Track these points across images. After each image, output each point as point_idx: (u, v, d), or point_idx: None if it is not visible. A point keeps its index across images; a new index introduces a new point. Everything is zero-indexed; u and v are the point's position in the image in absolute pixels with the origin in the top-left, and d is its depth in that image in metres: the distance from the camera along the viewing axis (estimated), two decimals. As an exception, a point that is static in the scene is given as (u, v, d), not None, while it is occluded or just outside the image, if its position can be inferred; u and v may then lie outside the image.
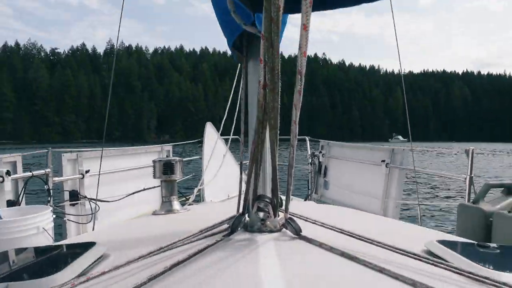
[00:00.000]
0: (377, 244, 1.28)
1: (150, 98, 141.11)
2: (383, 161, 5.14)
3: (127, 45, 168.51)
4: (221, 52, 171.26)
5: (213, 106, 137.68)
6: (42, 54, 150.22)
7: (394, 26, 2.47)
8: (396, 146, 5.63)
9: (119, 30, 2.25)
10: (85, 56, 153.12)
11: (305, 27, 1.13)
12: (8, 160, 4.12)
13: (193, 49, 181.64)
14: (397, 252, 1.21)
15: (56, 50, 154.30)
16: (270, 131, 1.28)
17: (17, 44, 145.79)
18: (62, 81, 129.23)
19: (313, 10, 1.14)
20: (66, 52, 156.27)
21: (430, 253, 1.25)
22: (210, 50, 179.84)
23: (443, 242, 1.29)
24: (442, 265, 1.10)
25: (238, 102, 4.22)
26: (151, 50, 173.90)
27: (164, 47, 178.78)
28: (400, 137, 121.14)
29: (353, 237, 1.36)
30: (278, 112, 1.25)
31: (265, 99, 1.24)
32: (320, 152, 6.72)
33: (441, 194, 13.70)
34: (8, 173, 3.98)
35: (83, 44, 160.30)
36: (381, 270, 1.05)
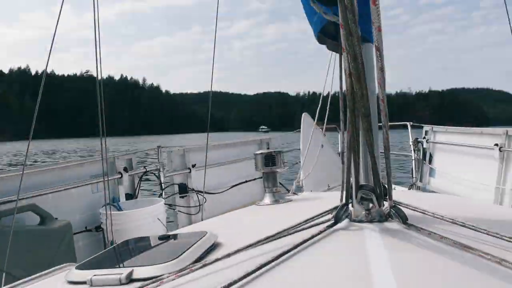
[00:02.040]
0: (494, 235, 1.18)
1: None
2: (496, 145, 4.73)
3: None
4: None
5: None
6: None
7: None
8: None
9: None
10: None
11: (373, 2, 1.11)
12: (125, 158, 4.55)
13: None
14: None
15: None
16: (362, 119, 1.25)
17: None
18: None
19: None
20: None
21: None
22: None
23: None
24: None
25: (330, 90, 4.16)
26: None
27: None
28: (265, 127, 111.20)
29: (466, 227, 1.28)
30: (367, 100, 1.22)
31: (353, 87, 1.22)
32: (424, 138, 6.38)
33: None
34: (125, 169, 4.41)
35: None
36: (499, 262, 0.97)
